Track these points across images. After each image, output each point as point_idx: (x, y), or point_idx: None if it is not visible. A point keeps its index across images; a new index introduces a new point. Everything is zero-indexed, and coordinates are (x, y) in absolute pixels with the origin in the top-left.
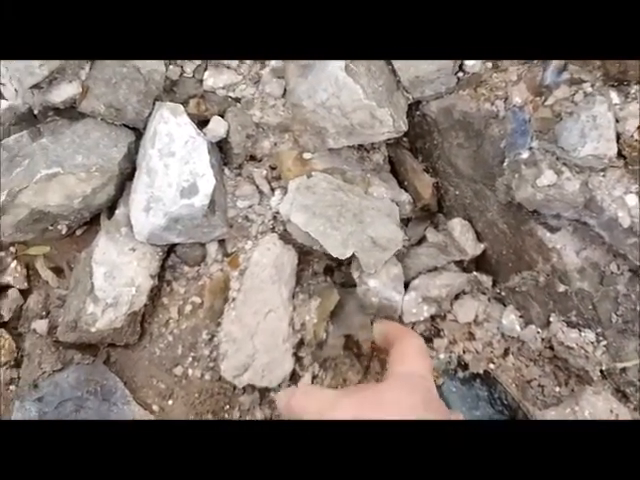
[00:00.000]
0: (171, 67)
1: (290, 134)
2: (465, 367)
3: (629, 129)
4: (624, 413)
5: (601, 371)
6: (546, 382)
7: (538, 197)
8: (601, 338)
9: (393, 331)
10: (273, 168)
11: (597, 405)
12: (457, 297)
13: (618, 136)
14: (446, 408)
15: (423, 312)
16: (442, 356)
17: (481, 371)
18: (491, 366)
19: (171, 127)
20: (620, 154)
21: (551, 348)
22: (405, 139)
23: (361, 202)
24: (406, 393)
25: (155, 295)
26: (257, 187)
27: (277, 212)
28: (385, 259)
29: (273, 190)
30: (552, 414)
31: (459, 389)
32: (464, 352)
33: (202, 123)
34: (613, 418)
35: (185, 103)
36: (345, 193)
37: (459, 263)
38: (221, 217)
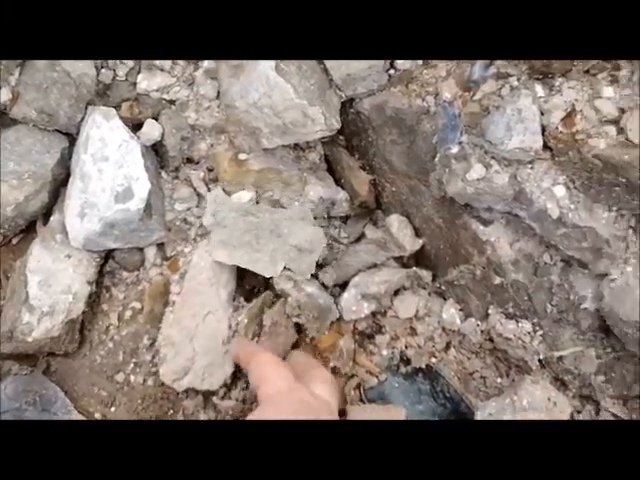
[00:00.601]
0: (103, 70)
1: (226, 135)
2: (407, 362)
3: (554, 121)
4: (562, 401)
5: (539, 360)
6: (488, 374)
7: (468, 191)
8: (537, 328)
9: (242, 355)
10: (210, 170)
11: (535, 394)
12: (397, 293)
13: (543, 128)
14: (330, 404)
15: (363, 309)
16: (384, 352)
17: (423, 366)
18: (433, 360)
19: (104, 131)
20: (546, 146)
21: (491, 340)
22: (341, 137)
23: (272, 217)
24: (276, 416)
25: (94, 302)
26: (195, 190)
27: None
28: (315, 260)
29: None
30: (492, 405)
31: (402, 384)
32: (406, 347)
33: (137, 127)
34: (551, 406)
35: (118, 107)
36: (254, 215)
37: (399, 259)
38: (158, 221)
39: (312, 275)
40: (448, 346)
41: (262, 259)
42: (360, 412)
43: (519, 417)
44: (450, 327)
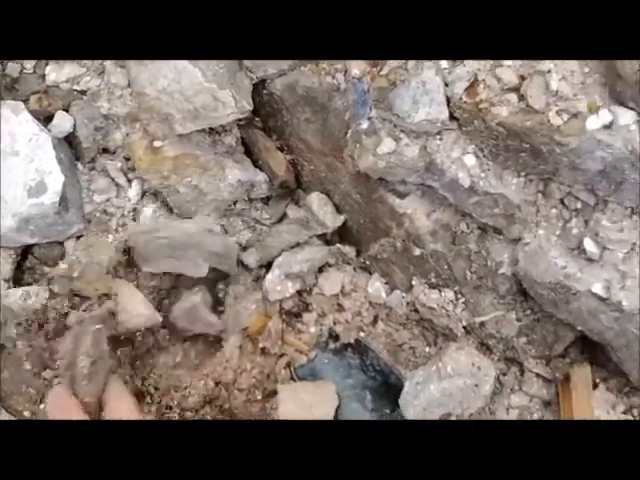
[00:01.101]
0: (10, 64)
1: (140, 123)
2: (336, 338)
3: (458, 92)
4: (487, 365)
5: (464, 327)
6: (416, 344)
7: (380, 165)
8: (459, 296)
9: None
10: (128, 159)
11: (460, 360)
12: (322, 270)
13: (448, 99)
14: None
15: (288, 289)
16: (313, 330)
17: (352, 340)
18: (361, 334)
19: (12, 126)
20: (453, 117)
21: (416, 311)
22: (257, 119)
23: (184, 228)
24: None
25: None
26: (113, 180)
27: (136, 203)
28: (234, 259)
29: (130, 182)
30: (420, 373)
31: (331, 360)
32: (334, 324)
33: (48, 119)
34: (475, 371)
35: (27, 100)
36: (165, 229)
37: (322, 237)
38: (76, 213)
39: None
40: (376, 320)
41: (187, 264)
42: (290, 390)
43: (445, 384)
44: (376, 301)
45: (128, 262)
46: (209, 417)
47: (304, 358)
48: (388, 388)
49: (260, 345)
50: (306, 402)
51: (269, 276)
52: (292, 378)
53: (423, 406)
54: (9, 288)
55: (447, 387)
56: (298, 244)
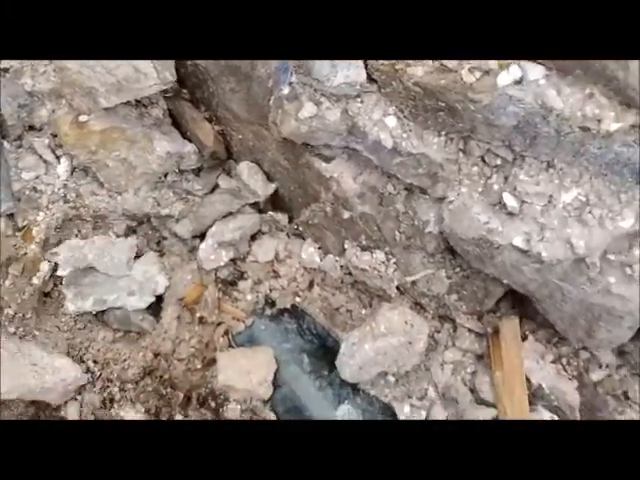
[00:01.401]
0: None
1: (65, 99)
2: (272, 304)
3: None
4: (419, 323)
5: (397, 288)
6: (353, 307)
7: (302, 130)
8: (390, 256)
9: None
10: (55, 136)
11: (392, 319)
12: (255, 238)
13: (365, 62)
14: None
15: (222, 257)
16: (249, 297)
17: (288, 306)
18: (297, 300)
19: None
20: (372, 79)
21: (350, 274)
22: (185, 91)
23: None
24: None
25: None
26: (41, 157)
27: (67, 180)
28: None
29: (58, 158)
30: (355, 335)
31: (268, 326)
32: (270, 290)
33: None
34: (409, 329)
35: None
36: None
37: (254, 205)
38: (5, 191)
39: None
40: (311, 285)
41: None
42: (229, 357)
43: (380, 342)
44: (311, 266)
45: None
46: (150, 388)
47: (242, 325)
48: (325, 351)
49: (197, 315)
50: (245, 368)
51: (202, 245)
52: (230, 345)
53: (359, 365)
54: None
55: (381, 346)
56: (231, 213)
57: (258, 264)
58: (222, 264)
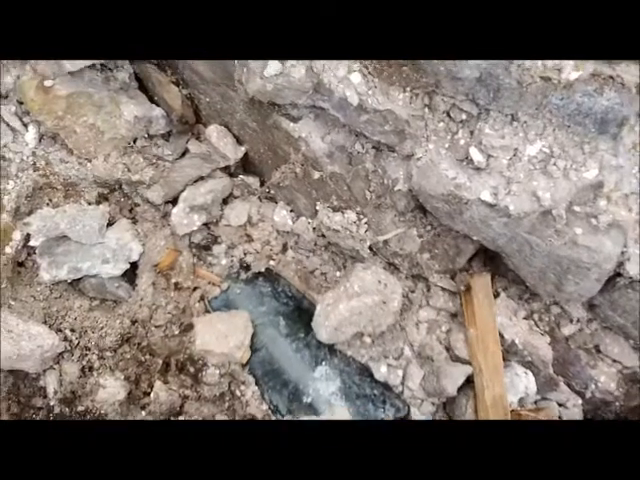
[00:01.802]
0: None
1: (31, 64)
2: (247, 268)
3: None
4: (393, 282)
5: (370, 248)
6: (327, 269)
7: (268, 88)
8: (361, 216)
9: None
10: (22, 103)
11: (366, 279)
12: (227, 202)
13: None
14: None
15: (194, 222)
16: (224, 262)
17: (262, 269)
18: (272, 263)
19: None
20: None
21: (323, 236)
22: None
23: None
24: None
25: None
26: (8, 125)
27: (35, 147)
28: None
29: (26, 126)
30: (330, 295)
31: (244, 290)
32: (245, 254)
33: None
34: (382, 288)
35: None
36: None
37: (225, 169)
38: None
39: None
40: (285, 248)
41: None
42: (206, 322)
43: (354, 302)
44: (284, 229)
45: None
46: (128, 356)
47: (217, 290)
48: (301, 313)
49: (173, 280)
50: (222, 332)
51: (175, 210)
52: (207, 310)
53: (334, 326)
54: None
55: (356, 305)
56: (202, 178)
57: (231, 228)
58: (195, 228)
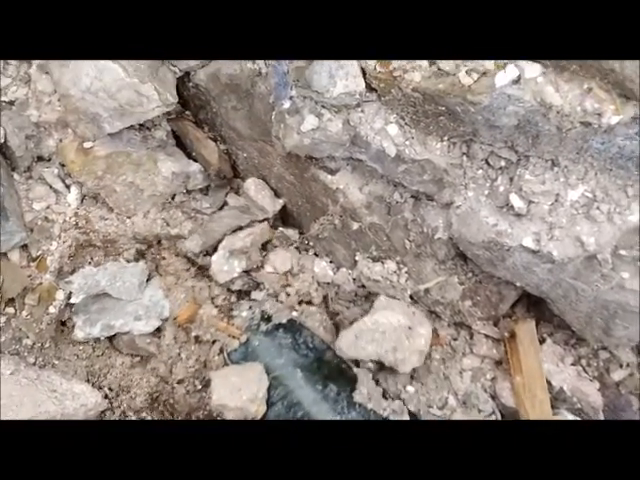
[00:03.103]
0: None
1: (70, 126)
2: (268, 320)
3: (371, 62)
4: (422, 318)
5: (411, 297)
6: None
7: (305, 142)
8: (402, 266)
9: None
10: (64, 165)
11: (394, 302)
12: (267, 249)
13: (363, 71)
14: None
15: (235, 268)
16: (244, 314)
17: (284, 320)
18: (294, 314)
19: None
20: (371, 88)
21: (363, 286)
22: (188, 112)
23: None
24: None
25: None
26: (51, 187)
27: (77, 208)
28: None
29: (68, 187)
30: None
31: (262, 341)
32: (281, 302)
33: None
34: (410, 314)
35: None
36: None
37: (264, 222)
38: (17, 222)
39: None
40: (325, 299)
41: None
42: (222, 376)
43: (378, 316)
44: (324, 280)
45: None
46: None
47: (236, 343)
48: (320, 365)
49: (193, 334)
50: (236, 386)
51: (214, 258)
52: (226, 364)
53: (355, 333)
54: None
55: (379, 320)
56: (240, 227)
57: (275, 275)
58: (236, 275)
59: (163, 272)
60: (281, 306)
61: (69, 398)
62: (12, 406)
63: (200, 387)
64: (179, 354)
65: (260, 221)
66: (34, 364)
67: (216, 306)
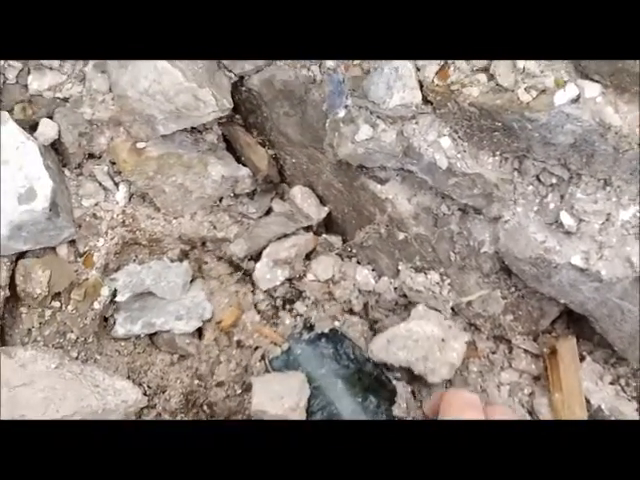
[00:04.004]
0: None
1: (123, 126)
2: (311, 328)
3: (429, 75)
4: (459, 331)
5: (452, 309)
6: None
7: (359, 152)
8: (445, 277)
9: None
10: (114, 163)
11: (431, 313)
12: (311, 258)
13: (421, 83)
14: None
15: (278, 276)
16: (287, 321)
17: (327, 330)
18: (337, 324)
19: None
20: (426, 100)
21: (404, 296)
22: (238, 116)
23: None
24: None
25: (12, 306)
26: (100, 184)
27: (125, 206)
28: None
29: (117, 185)
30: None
31: (304, 350)
32: (324, 311)
33: (32, 127)
34: (446, 326)
35: (11, 110)
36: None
37: (308, 229)
38: (67, 218)
39: None
40: (365, 306)
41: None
42: (263, 382)
43: (412, 324)
44: (366, 288)
45: None
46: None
47: (278, 350)
48: (361, 376)
49: (235, 338)
50: (277, 393)
51: (258, 265)
52: (267, 370)
53: (387, 338)
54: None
55: (414, 328)
56: (285, 235)
57: (316, 283)
58: (278, 283)
59: (206, 276)
60: (324, 315)
61: (111, 394)
62: (55, 399)
63: (240, 391)
64: (218, 356)
65: (305, 229)
66: (77, 358)
67: (259, 312)
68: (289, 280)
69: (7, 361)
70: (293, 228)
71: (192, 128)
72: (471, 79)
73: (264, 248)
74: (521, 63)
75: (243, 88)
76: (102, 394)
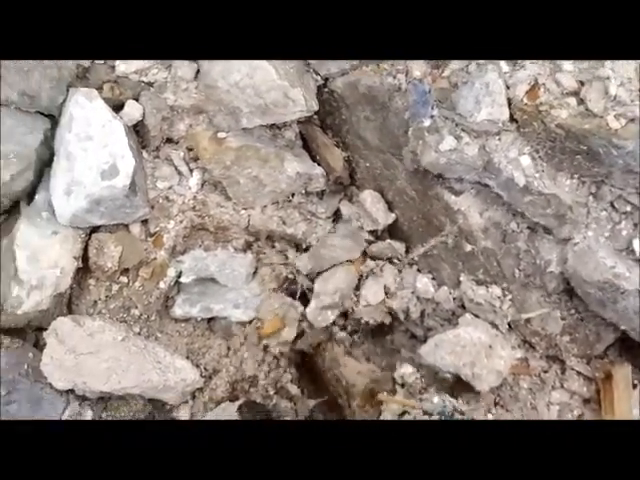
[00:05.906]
0: None
1: (204, 115)
2: None
3: (519, 94)
4: (505, 342)
5: (509, 324)
6: None
7: (441, 161)
8: (507, 292)
9: None
10: (190, 149)
11: (479, 323)
12: (359, 286)
13: (509, 101)
14: None
15: (329, 317)
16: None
17: None
18: None
19: (87, 112)
20: (512, 118)
21: (463, 307)
22: (315, 116)
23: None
24: None
25: (81, 277)
26: (176, 168)
27: (197, 192)
28: None
29: (192, 171)
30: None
31: None
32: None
33: (117, 108)
34: (493, 334)
35: (99, 89)
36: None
37: (373, 232)
38: (142, 198)
39: None
40: (422, 314)
41: None
42: None
43: (461, 330)
44: (425, 296)
45: None
46: None
47: None
48: None
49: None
50: None
51: (308, 310)
52: None
53: (436, 342)
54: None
55: (461, 334)
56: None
57: (370, 307)
58: (330, 322)
59: (267, 277)
60: None
61: (171, 371)
62: (118, 370)
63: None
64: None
65: (371, 232)
66: (139, 334)
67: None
68: (343, 314)
69: (76, 329)
70: (358, 252)
71: (272, 124)
72: (561, 101)
73: (326, 270)
74: (613, 90)
75: (325, 89)
76: (164, 370)
